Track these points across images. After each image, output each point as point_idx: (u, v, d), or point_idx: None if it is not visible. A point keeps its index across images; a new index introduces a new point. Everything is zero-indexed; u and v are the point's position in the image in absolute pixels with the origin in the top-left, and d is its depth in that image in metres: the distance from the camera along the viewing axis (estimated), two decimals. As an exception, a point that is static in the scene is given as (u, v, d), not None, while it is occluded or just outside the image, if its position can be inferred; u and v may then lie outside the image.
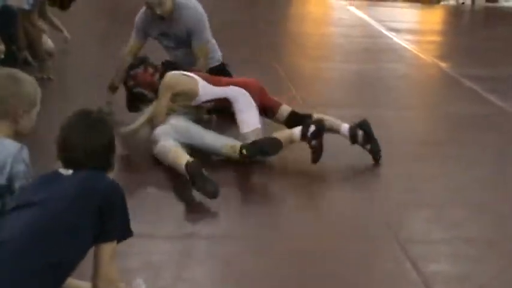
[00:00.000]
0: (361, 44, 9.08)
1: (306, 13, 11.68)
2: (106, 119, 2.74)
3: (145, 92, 4.87)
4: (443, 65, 7.89)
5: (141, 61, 4.96)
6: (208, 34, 5.51)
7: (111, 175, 2.64)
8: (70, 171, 2.55)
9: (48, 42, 6.75)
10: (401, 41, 9.13)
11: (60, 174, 2.55)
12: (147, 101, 4.87)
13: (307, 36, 9.53)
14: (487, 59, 8.34)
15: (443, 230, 3.74)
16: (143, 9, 5.42)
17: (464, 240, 3.61)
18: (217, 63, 5.66)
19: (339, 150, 4.69)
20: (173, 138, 4.49)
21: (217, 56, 5.75)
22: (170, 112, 4.72)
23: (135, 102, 4.97)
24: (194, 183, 3.99)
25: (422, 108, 6.35)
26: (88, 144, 2.57)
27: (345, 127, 4.73)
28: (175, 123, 4.62)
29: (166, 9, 5.29)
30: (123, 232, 2.56)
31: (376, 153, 4.68)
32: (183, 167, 4.12)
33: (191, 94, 4.72)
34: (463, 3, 13.00)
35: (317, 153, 4.47)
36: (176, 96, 4.71)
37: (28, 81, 2.86)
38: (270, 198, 4.21)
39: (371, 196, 4.18)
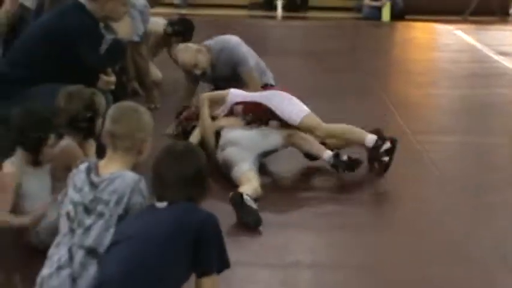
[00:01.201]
0: (469, 69, 8.87)
1: (410, 39, 11.53)
2: (193, 148, 2.80)
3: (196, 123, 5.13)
4: (556, 90, 7.60)
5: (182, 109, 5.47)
6: (251, 60, 5.69)
7: (206, 203, 2.68)
8: (165, 204, 2.59)
9: (155, 72, 6.93)
10: (511, 64, 8.86)
11: (156, 207, 2.58)
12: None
13: (412, 62, 9.40)
14: None
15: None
16: None
17: None
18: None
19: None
20: (248, 159, 4.56)
21: (265, 78, 5.86)
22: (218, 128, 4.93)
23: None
24: (238, 214, 4.00)
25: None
26: (177, 174, 2.60)
27: (369, 138, 4.70)
28: (238, 135, 4.73)
29: (203, 66, 5.56)
30: (221, 264, 2.56)
31: (387, 168, 4.66)
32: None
33: (223, 97, 5.00)
34: None
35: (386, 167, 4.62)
36: (213, 104, 4.97)
37: (146, 112, 2.95)
38: (366, 226, 4.14)
39: (475, 223, 4.10)
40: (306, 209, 4.35)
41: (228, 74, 5.63)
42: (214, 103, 5.00)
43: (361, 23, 12.51)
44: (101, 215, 2.71)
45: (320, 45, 10.11)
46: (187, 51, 5.63)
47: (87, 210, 2.74)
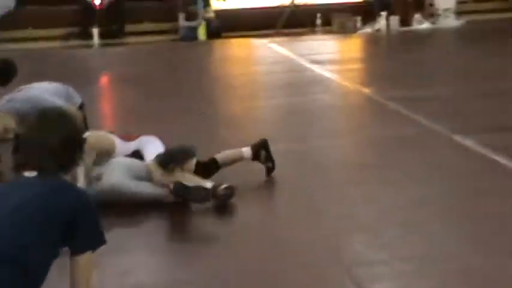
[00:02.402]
0: (285, 78, 9.28)
1: (229, 55, 11.87)
2: (64, 113, 2.64)
3: None
4: (366, 90, 8.13)
5: None
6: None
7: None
8: (34, 173, 2.44)
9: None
10: (325, 71, 9.36)
11: (24, 178, 2.44)
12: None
13: (232, 77, 9.69)
14: (407, 82, 8.62)
15: (380, 250, 3.86)
16: None
17: (401, 259, 3.73)
18: None
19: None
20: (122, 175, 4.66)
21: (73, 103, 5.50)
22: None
23: None
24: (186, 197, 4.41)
25: (352, 134, 6.54)
26: (41, 141, 2.45)
27: (246, 150, 5.08)
28: (118, 163, 4.75)
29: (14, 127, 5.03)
30: (96, 241, 2.48)
31: (271, 171, 5.09)
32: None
33: (111, 151, 4.87)
34: (378, 30, 13.41)
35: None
36: (98, 155, 4.80)
37: None
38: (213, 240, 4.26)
39: (313, 221, 4.31)
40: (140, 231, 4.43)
41: None
42: (100, 154, 4.81)
43: (179, 44, 12.69)
44: None
45: (140, 69, 10.17)
46: None
47: None
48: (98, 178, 4.72)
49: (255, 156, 5.10)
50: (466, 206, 4.51)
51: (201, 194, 4.49)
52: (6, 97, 5.31)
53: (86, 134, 4.83)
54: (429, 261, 3.70)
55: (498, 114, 6.69)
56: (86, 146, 4.68)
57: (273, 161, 5.12)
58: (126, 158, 4.86)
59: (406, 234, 4.09)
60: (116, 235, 4.26)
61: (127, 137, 5.02)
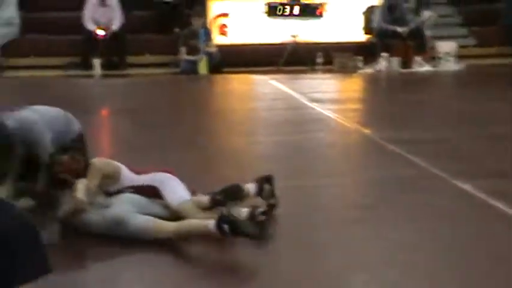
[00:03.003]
0: (285, 116, 9.29)
1: (229, 90, 11.90)
2: None
3: (69, 177, 4.85)
4: (366, 131, 8.13)
5: (67, 149, 5.00)
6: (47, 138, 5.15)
7: None
8: None
9: None
10: (325, 110, 9.37)
11: None
12: (67, 186, 4.85)
13: (232, 112, 9.70)
14: (407, 123, 8.63)
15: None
16: None
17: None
18: None
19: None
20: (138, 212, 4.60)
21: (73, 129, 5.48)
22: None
23: (57, 186, 4.93)
24: (236, 230, 4.15)
25: (351, 173, 6.52)
26: None
27: (251, 186, 5.00)
28: (129, 197, 4.68)
29: None
30: (35, 271, 2.05)
31: (274, 208, 4.99)
32: (210, 225, 4.24)
33: (117, 176, 4.84)
34: (379, 70, 13.47)
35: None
36: (103, 179, 4.78)
37: None
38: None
39: (314, 258, 4.31)
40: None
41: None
42: (106, 178, 4.81)
43: (179, 77, 12.73)
44: None
45: (140, 101, 10.18)
46: None
47: None
48: (106, 206, 4.67)
49: (259, 192, 5.02)
50: (464, 249, 4.52)
51: (255, 228, 4.30)
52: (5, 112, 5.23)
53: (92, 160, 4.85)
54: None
55: (498, 159, 6.69)
56: (92, 168, 4.78)
57: (276, 198, 5.05)
58: (137, 195, 4.79)
59: (405, 273, 4.10)
60: (107, 265, 4.24)
61: (136, 170, 4.96)
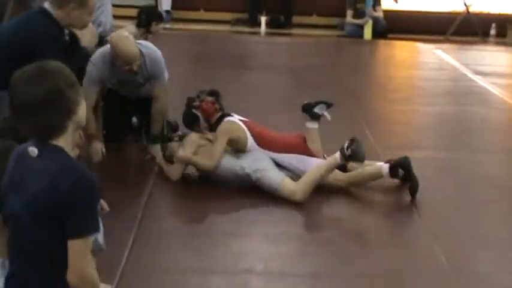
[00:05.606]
0: (443, 86, 8.97)
1: (390, 56, 11.66)
2: (46, 68, 2.26)
3: (201, 118, 4.94)
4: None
5: (214, 93, 5.07)
6: (166, 74, 5.26)
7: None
8: (36, 152, 2.25)
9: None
10: (487, 84, 8.96)
11: (29, 158, 2.26)
12: (195, 126, 4.97)
13: (388, 79, 9.50)
14: None
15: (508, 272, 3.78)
16: (97, 59, 5.00)
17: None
18: None
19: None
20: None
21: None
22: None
23: (189, 119, 5.03)
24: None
25: (500, 152, 6.22)
26: (26, 100, 2.19)
27: (385, 167, 4.79)
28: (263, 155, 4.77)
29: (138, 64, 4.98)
30: (89, 227, 2.27)
31: (414, 191, 4.72)
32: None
33: (242, 145, 4.83)
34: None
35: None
36: (229, 142, 4.82)
37: None
38: (330, 241, 4.22)
39: (436, 235, 4.21)
40: (259, 219, 4.46)
41: (141, 82, 5.18)
42: (231, 143, 4.84)
43: (343, 40, 12.63)
44: None
45: (301, 61, 10.21)
46: (132, 43, 4.95)
47: None
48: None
49: (392, 174, 4.81)
50: None
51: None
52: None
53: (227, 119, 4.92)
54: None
55: None
56: (219, 130, 4.86)
57: (414, 181, 4.74)
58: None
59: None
60: (234, 221, 4.35)
61: (266, 143, 4.86)
